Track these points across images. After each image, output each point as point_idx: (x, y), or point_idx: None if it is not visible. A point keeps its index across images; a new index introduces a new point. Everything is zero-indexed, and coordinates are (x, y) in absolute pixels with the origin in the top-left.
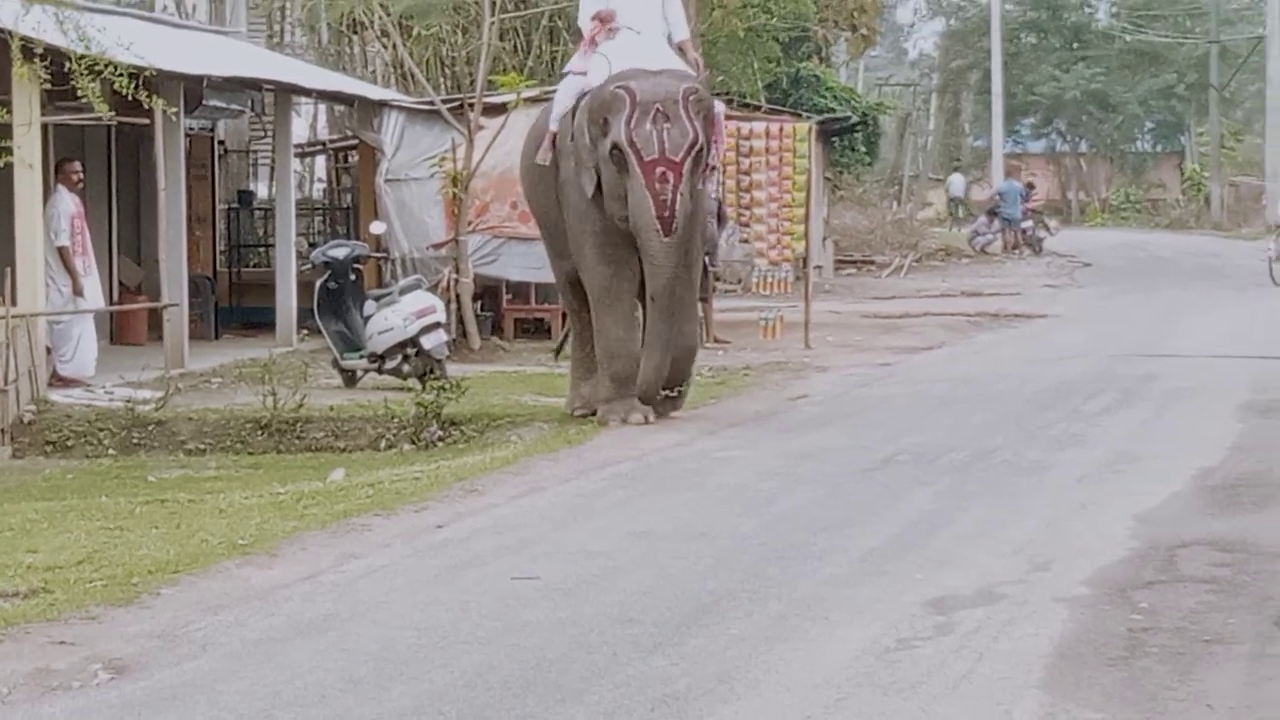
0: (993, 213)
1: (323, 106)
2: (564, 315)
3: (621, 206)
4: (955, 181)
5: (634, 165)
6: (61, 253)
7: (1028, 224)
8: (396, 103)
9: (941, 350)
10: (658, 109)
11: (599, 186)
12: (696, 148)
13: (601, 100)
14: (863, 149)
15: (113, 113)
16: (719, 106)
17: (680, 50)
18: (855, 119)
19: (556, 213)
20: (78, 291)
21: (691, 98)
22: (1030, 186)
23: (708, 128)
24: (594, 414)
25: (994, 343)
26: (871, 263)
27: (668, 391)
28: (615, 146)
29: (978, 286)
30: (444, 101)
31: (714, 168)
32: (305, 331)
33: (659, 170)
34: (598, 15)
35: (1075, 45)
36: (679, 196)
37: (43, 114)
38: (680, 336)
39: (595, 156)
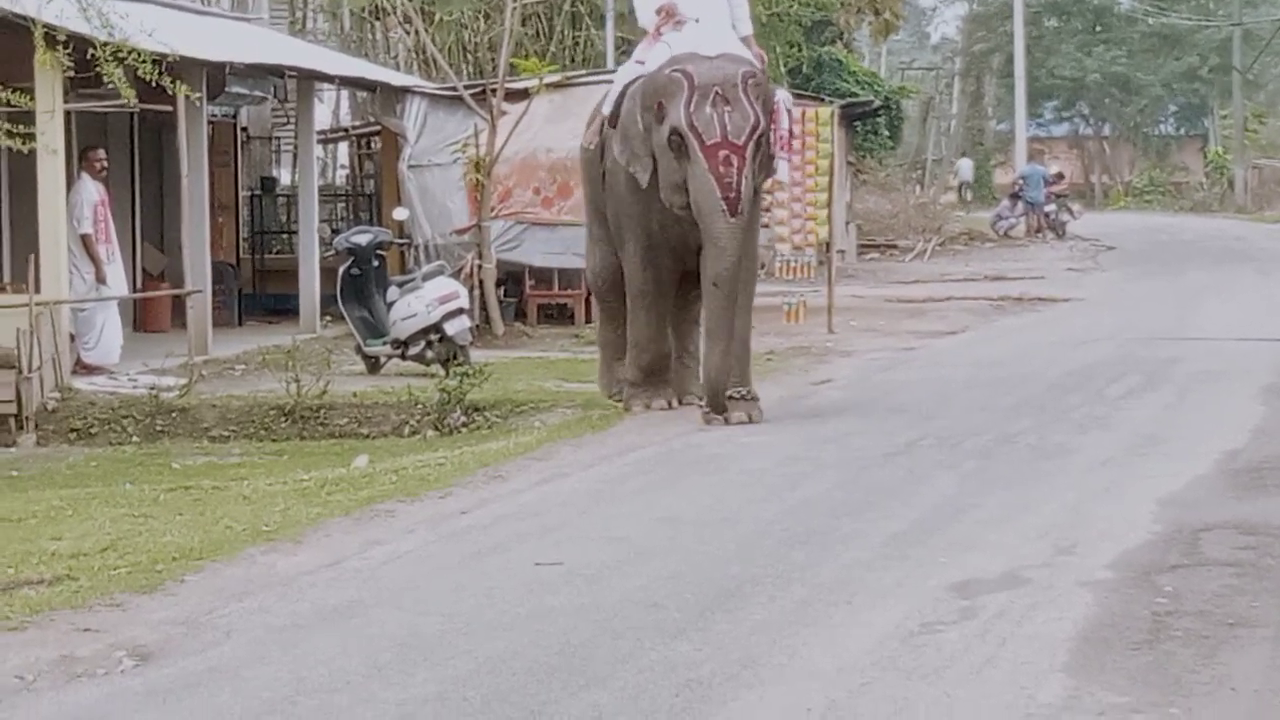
0: (1016, 196)
1: (345, 93)
2: (588, 300)
3: (681, 195)
4: (964, 166)
5: (695, 149)
6: (85, 240)
7: (1051, 208)
8: (419, 89)
9: (965, 334)
10: (717, 92)
11: (654, 176)
12: (759, 132)
13: (656, 85)
14: (885, 133)
15: (136, 99)
16: (782, 95)
17: (745, 45)
18: (878, 103)
19: (601, 197)
20: (101, 279)
21: (750, 81)
22: (1060, 177)
23: (768, 113)
24: None
25: (1017, 327)
26: (894, 247)
27: (741, 390)
28: (674, 131)
29: (1001, 270)
30: (466, 87)
31: (774, 157)
32: (328, 318)
33: (722, 154)
34: (661, 9)
35: (1098, 28)
36: (744, 180)
37: (65, 101)
38: (741, 329)
39: (649, 144)
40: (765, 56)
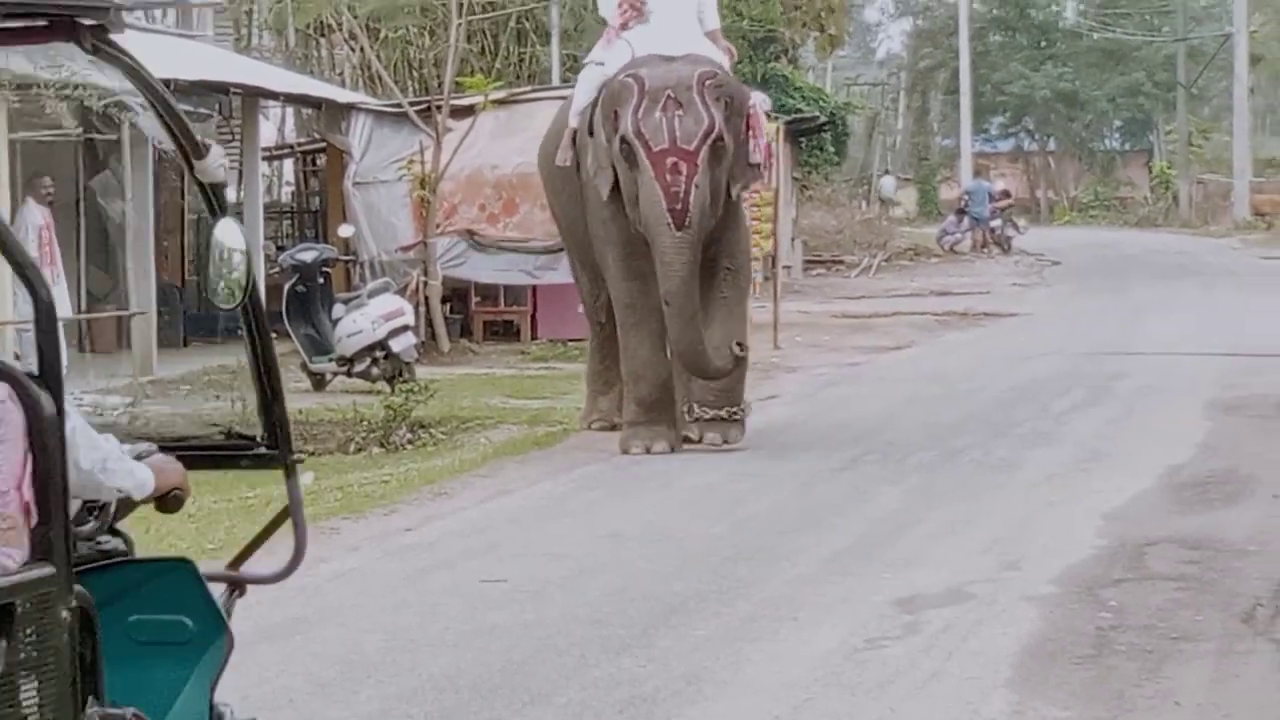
0: (961, 211)
1: (290, 110)
2: (534, 316)
3: (635, 208)
4: (885, 184)
5: (641, 157)
6: None
7: (996, 223)
8: (364, 105)
9: (910, 350)
10: (669, 96)
11: (616, 187)
12: (713, 136)
13: (611, 92)
14: (831, 149)
15: (80, 129)
16: (758, 99)
17: (711, 40)
18: (823, 119)
19: (581, 218)
20: None
21: (709, 83)
22: (1005, 194)
23: (733, 117)
24: (613, 428)
25: (963, 342)
26: (840, 262)
27: (719, 412)
28: (623, 140)
29: (946, 286)
30: (411, 104)
31: (756, 165)
32: (274, 335)
33: (669, 161)
34: (627, 1)
35: (1043, 43)
36: (693, 188)
37: (10, 131)
38: (723, 337)
39: (610, 155)
40: (734, 51)
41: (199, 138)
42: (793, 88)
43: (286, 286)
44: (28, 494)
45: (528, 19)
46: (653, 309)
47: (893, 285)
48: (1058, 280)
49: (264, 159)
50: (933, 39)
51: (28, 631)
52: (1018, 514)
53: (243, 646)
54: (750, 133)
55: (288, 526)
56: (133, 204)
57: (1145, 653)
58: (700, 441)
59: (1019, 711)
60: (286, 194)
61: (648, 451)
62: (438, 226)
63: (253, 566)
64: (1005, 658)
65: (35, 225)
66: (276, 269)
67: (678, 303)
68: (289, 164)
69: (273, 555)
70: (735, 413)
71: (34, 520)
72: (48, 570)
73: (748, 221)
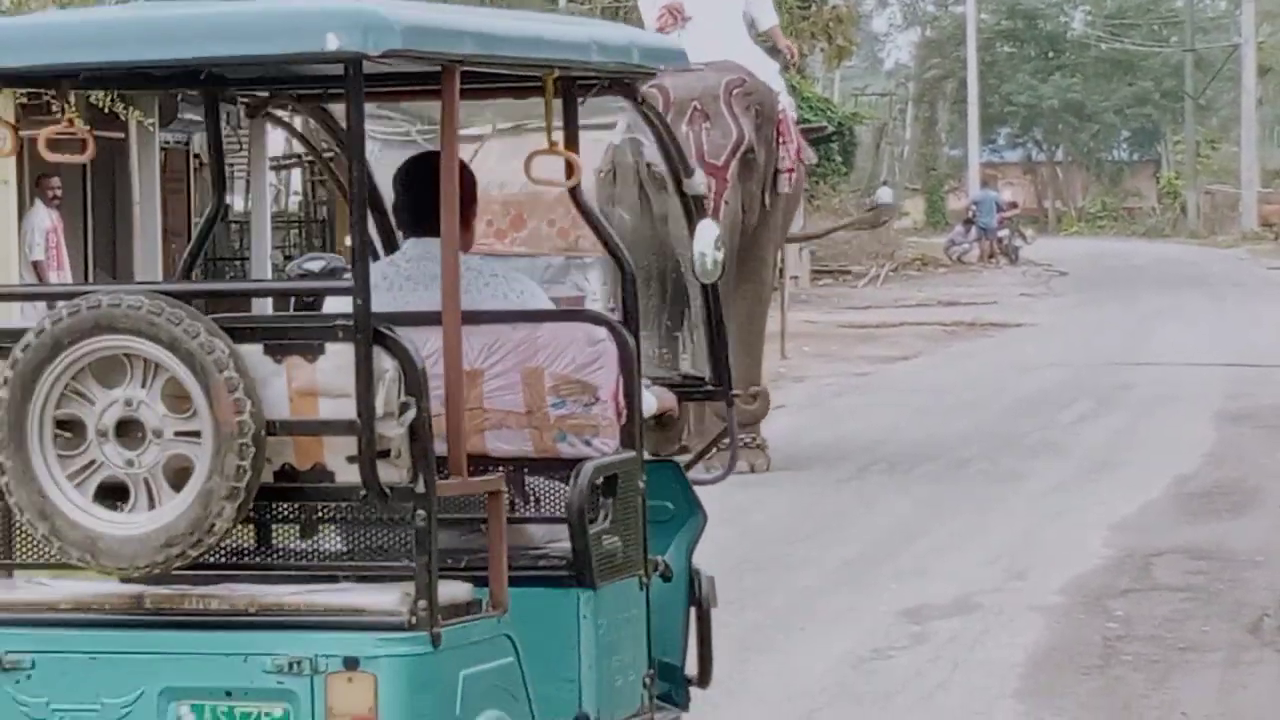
0: (969, 222)
1: (299, 118)
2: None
3: (665, 225)
4: (883, 194)
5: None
6: (36, 267)
7: (1004, 233)
8: (372, 135)
9: (918, 360)
10: (695, 107)
11: (644, 205)
12: (743, 148)
13: None
14: (839, 159)
15: (90, 129)
16: (785, 103)
17: (770, 38)
18: (831, 129)
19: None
20: (51, 306)
21: (736, 91)
22: (1013, 205)
23: (764, 126)
24: None
25: (970, 352)
26: (848, 272)
27: (743, 438)
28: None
29: (954, 296)
30: (420, 132)
31: (791, 171)
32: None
33: None
34: (666, 7)
35: (1051, 54)
36: (722, 205)
37: (19, 129)
38: (740, 350)
39: (637, 174)
40: (795, 50)
41: (690, 160)
42: (800, 98)
43: (294, 296)
44: (620, 403)
45: None
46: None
47: (900, 295)
48: (1065, 290)
49: (271, 168)
50: (940, 49)
51: (620, 496)
52: (1024, 524)
53: None
54: (780, 139)
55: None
56: (141, 205)
57: (1152, 663)
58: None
59: None
60: (294, 204)
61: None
62: None
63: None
64: (1012, 668)
65: (43, 228)
66: (284, 279)
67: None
68: (296, 174)
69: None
70: (755, 439)
71: (622, 421)
72: (631, 454)
73: (781, 233)
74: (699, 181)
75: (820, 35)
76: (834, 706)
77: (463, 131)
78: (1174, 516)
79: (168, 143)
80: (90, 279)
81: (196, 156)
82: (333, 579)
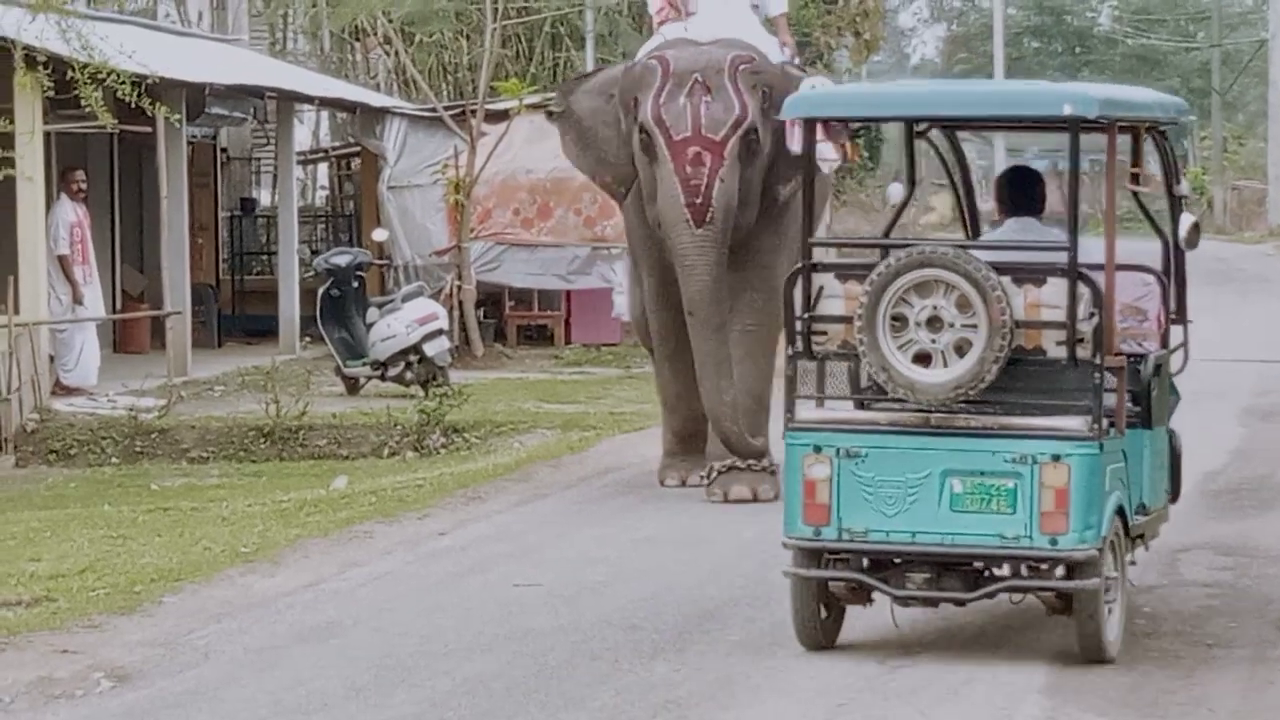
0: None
1: (325, 114)
2: (568, 321)
3: (654, 207)
4: (893, 190)
5: (660, 146)
6: (61, 261)
7: None
8: (399, 109)
9: None
10: (696, 80)
11: (638, 189)
12: (744, 127)
13: (633, 76)
14: (865, 154)
15: (115, 121)
16: (816, 84)
17: (775, 27)
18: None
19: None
20: (77, 300)
21: (744, 68)
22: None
23: (771, 110)
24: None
25: None
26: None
27: (735, 461)
28: (642, 128)
29: None
30: (446, 108)
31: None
32: (308, 339)
33: (692, 150)
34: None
35: (1078, 50)
36: (716, 182)
37: (45, 122)
38: (743, 377)
39: (629, 151)
40: (793, 45)
41: (1179, 172)
42: None
43: (320, 291)
44: (1160, 321)
45: (563, 23)
46: (687, 342)
47: None
48: None
49: (299, 163)
50: (967, 45)
51: (1157, 380)
52: None
53: (277, 649)
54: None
55: None
56: (168, 201)
57: (1178, 659)
58: (727, 500)
59: (1052, 717)
60: (321, 198)
61: (683, 484)
62: (472, 231)
63: None
64: (1038, 663)
65: (68, 222)
66: (311, 273)
67: (702, 312)
68: (324, 168)
69: None
70: (757, 463)
71: (1162, 332)
72: (1164, 351)
73: (796, 236)
74: (1185, 188)
75: (847, 29)
76: (861, 701)
77: (489, 106)
78: (1201, 513)
79: (195, 137)
80: (117, 273)
81: (223, 151)
82: (1044, 410)
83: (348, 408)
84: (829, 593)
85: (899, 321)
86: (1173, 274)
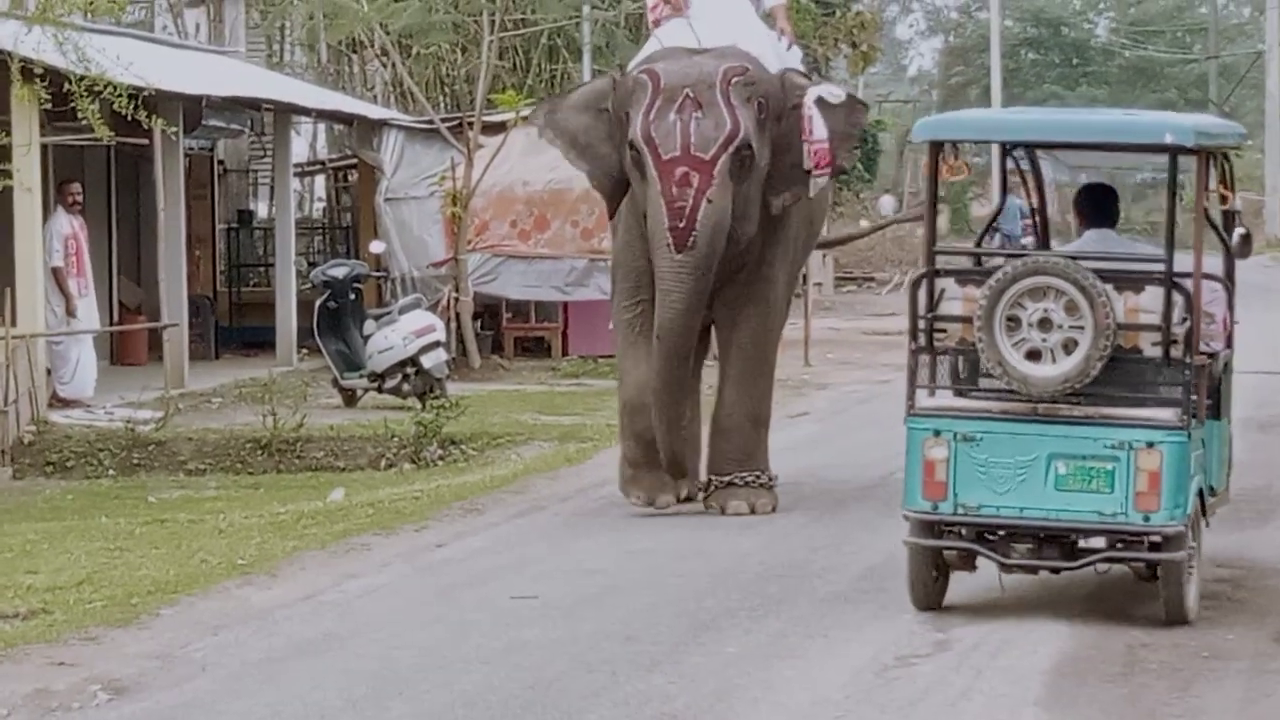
0: (993, 229)
1: (322, 126)
2: (565, 333)
3: (643, 224)
4: (885, 203)
5: (650, 166)
6: (55, 273)
7: (1028, 240)
8: (396, 121)
9: None
10: (687, 95)
11: (631, 205)
12: (735, 143)
13: (624, 91)
14: (861, 166)
15: (112, 133)
16: (821, 92)
17: (769, 18)
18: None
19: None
20: (71, 312)
21: (736, 81)
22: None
23: (768, 121)
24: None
25: None
26: (872, 279)
27: (736, 475)
28: (631, 145)
29: None
30: (443, 120)
31: (809, 173)
32: (305, 351)
33: (679, 171)
34: None
35: (1075, 62)
36: (702, 204)
37: (42, 134)
38: (740, 398)
39: (622, 166)
40: (791, 34)
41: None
42: None
43: (318, 302)
44: (1226, 324)
45: (560, 35)
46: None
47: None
48: None
49: (296, 175)
50: (964, 57)
51: (1225, 376)
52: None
53: (274, 662)
54: (802, 135)
55: None
56: (165, 213)
57: (1176, 671)
58: (725, 513)
59: None
60: (318, 210)
61: (651, 505)
62: (469, 243)
63: None
64: (1036, 675)
65: (62, 234)
66: (308, 285)
67: (669, 340)
68: (321, 180)
69: None
70: (759, 478)
71: (1227, 334)
72: (1230, 351)
73: (800, 249)
74: (1238, 203)
75: (844, 40)
76: (858, 713)
77: (488, 117)
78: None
79: (192, 149)
80: (114, 285)
81: (220, 163)
82: (1139, 403)
83: (345, 420)
84: (940, 560)
85: (1013, 322)
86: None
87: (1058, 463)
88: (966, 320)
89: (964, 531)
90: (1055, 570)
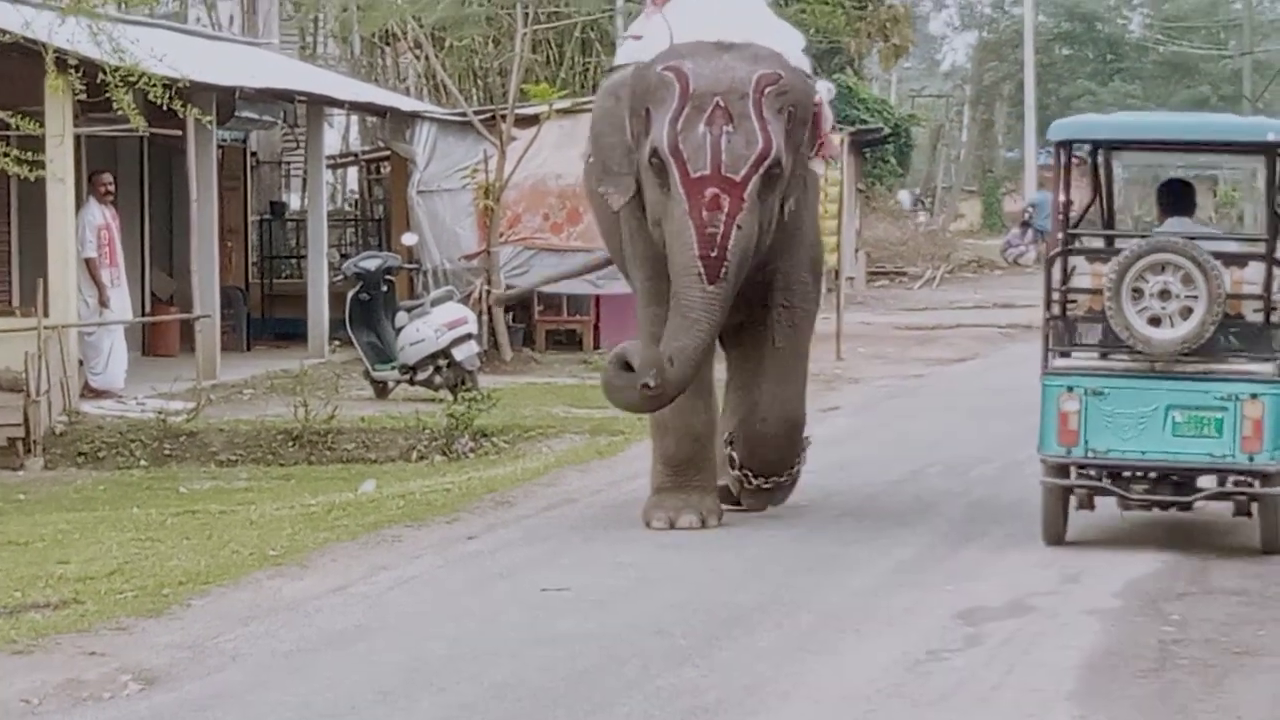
0: (1025, 224)
1: (355, 118)
2: (596, 326)
3: (660, 231)
4: (902, 199)
5: (675, 182)
6: (88, 264)
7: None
8: (428, 114)
9: (974, 362)
10: (718, 105)
11: (638, 197)
12: (768, 162)
13: (646, 85)
14: (894, 161)
15: (146, 124)
16: (822, 94)
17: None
18: (887, 131)
19: (616, 224)
20: (103, 303)
21: (770, 90)
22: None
23: (796, 129)
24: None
25: (1026, 354)
26: (904, 274)
27: (764, 481)
28: (654, 152)
29: (1010, 298)
30: (476, 113)
31: (809, 159)
32: (337, 343)
33: (709, 192)
34: None
35: (1110, 57)
36: (733, 230)
37: (75, 125)
38: (776, 404)
39: (633, 160)
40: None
41: None
42: (857, 99)
43: (350, 294)
44: None
45: (592, 28)
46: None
47: (956, 297)
48: None
49: (328, 167)
50: (998, 52)
51: None
52: (1080, 526)
53: (305, 653)
54: (819, 135)
55: None
56: (198, 204)
57: (1208, 667)
58: (739, 503)
59: None
60: (350, 202)
61: (671, 526)
62: (501, 235)
63: None
64: (1067, 670)
65: (94, 225)
66: (340, 277)
67: (681, 370)
68: (353, 172)
69: None
70: (784, 479)
71: None
72: None
73: (813, 234)
74: None
75: (877, 35)
76: (888, 708)
77: (521, 110)
78: (1230, 520)
79: (225, 141)
80: (146, 276)
81: (253, 154)
82: (1244, 360)
83: (376, 412)
84: (1068, 498)
85: (1137, 293)
86: None
87: (1174, 412)
88: (1095, 292)
89: (1093, 473)
90: (1164, 506)
